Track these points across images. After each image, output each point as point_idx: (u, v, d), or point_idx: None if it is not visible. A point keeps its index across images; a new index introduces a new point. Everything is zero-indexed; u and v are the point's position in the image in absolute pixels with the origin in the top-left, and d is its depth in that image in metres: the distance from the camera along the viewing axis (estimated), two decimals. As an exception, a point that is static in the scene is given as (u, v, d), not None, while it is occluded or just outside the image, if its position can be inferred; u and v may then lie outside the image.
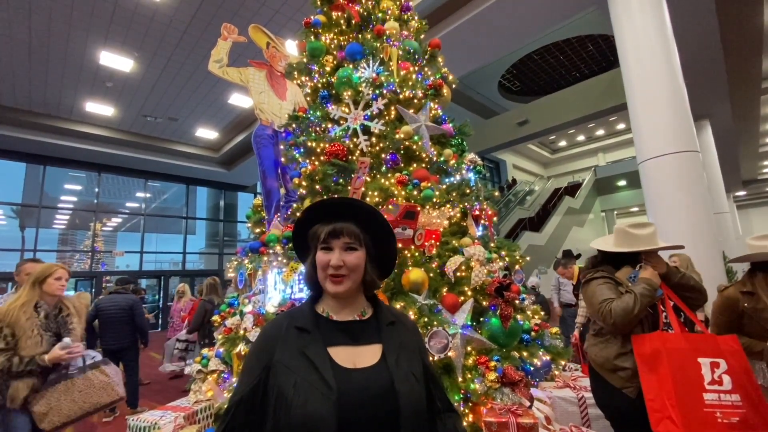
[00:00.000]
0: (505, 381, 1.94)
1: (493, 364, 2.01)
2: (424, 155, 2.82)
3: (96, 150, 11.37)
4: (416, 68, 3.11)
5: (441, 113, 3.17)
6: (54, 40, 7.30)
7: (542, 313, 2.92)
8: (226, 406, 0.85)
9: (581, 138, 23.14)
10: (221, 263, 15.32)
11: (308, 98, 3.32)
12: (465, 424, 1.95)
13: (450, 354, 1.99)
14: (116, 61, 8.02)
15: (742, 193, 22.08)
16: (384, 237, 0.94)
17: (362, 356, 0.84)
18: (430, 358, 1.95)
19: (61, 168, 12.21)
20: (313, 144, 2.76)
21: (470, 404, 2.01)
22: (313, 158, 2.75)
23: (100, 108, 9.92)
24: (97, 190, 13.00)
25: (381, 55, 3.00)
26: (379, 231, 0.93)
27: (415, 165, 2.81)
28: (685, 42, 6.44)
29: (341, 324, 0.88)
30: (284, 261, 2.56)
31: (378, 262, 0.94)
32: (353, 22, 3.31)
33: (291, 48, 3.69)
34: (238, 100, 9.95)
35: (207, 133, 11.90)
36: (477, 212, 2.80)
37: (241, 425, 0.80)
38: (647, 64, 4.82)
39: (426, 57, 3.36)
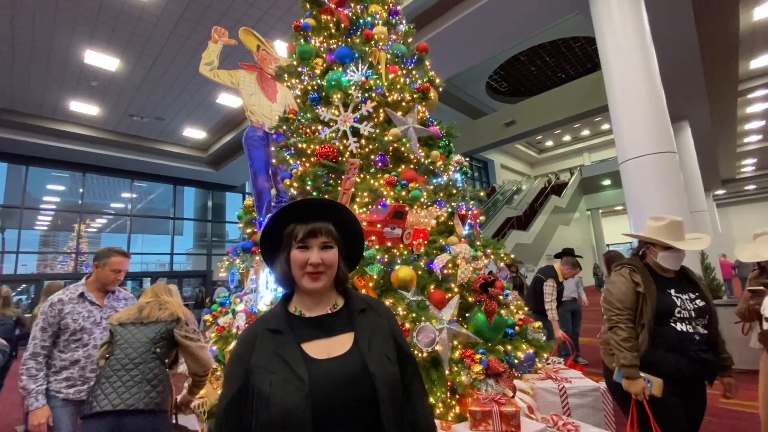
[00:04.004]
0: (489, 372, 2.02)
1: (478, 357, 2.09)
2: (412, 157, 2.90)
3: (80, 150, 11.18)
4: (404, 72, 3.19)
5: (428, 116, 3.26)
6: (38, 38, 7.18)
7: (526, 309, 3.01)
8: (216, 413, 0.88)
9: (567, 138, 23.57)
10: (209, 264, 15.20)
11: (298, 100, 3.37)
12: (452, 415, 2.04)
13: (437, 348, 2.08)
14: (101, 60, 7.93)
15: (721, 192, 22.75)
16: (353, 233, 0.99)
17: (335, 346, 0.87)
18: (418, 354, 2.04)
19: (44, 168, 11.98)
20: (304, 145, 2.81)
21: (457, 396, 2.10)
22: (303, 159, 2.81)
23: (84, 107, 9.77)
24: (81, 190, 12.79)
25: (370, 59, 3.07)
26: (348, 227, 0.98)
27: (403, 166, 2.88)
28: (663, 45, 6.65)
29: (313, 320, 0.91)
30: (276, 260, 2.61)
31: (347, 257, 0.99)
32: (342, 25, 3.38)
33: (280, 49, 3.73)
34: (226, 99, 9.91)
35: (194, 132, 11.80)
36: (463, 212, 2.89)
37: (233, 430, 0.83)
38: (627, 67, 4.98)
39: (414, 60, 3.44)
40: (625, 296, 1.93)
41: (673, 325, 1.86)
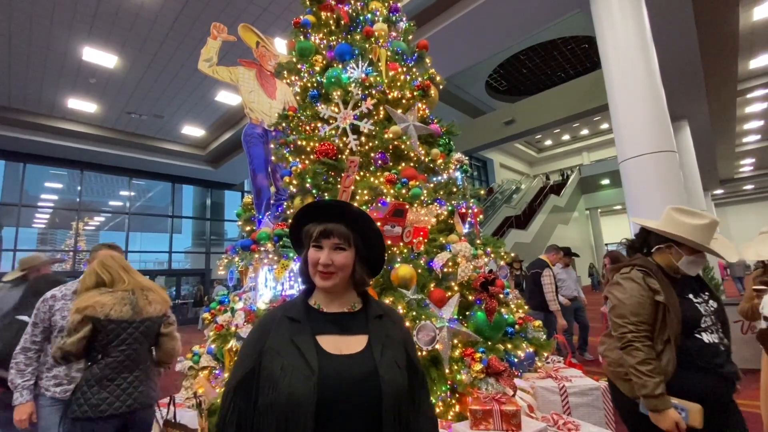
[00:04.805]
0: (489, 371, 2.02)
1: (478, 355, 2.08)
2: (412, 154, 2.89)
3: (78, 147, 11.13)
4: (404, 69, 3.17)
5: (428, 113, 3.24)
6: (35, 35, 7.14)
7: (526, 308, 3.00)
8: (224, 391, 0.90)
9: (566, 137, 23.57)
10: (208, 262, 15.17)
11: (298, 97, 3.35)
12: (452, 414, 2.03)
13: (437, 346, 2.07)
14: (100, 56, 7.88)
15: (719, 191, 22.79)
16: (373, 239, 1.00)
17: (348, 344, 0.89)
18: (418, 352, 2.03)
19: (41, 166, 11.92)
20: (303, 143, 2.80)
21: (457, 395, 2.09)
22: (303, 157, 2.79)
23: (82, 104, 9.72)
24: (79, 188, 12.73)
25: (370, 56, 3.05)
26: (369, 234, 0.99)
27: (403, 164, 2.87)
28: (663, 45, 6.65)
29: (331, 315, 0.94)
30: (275, 258, 2.60)
31: (367, 262, 1.00)
32: (342, 22, 3.36)
33: (279, 46, 3.71)
34: (225, 97, 9.87)
35: (193, 130, 11.76)
36: (463, 210, 2.88)
37: (240, 408, 0.85)
38: (627, 67, 4.97)
39: (414, 58, 3.42)
40: (641, 307, 1.56)
41: (699, 336, 1.53)
